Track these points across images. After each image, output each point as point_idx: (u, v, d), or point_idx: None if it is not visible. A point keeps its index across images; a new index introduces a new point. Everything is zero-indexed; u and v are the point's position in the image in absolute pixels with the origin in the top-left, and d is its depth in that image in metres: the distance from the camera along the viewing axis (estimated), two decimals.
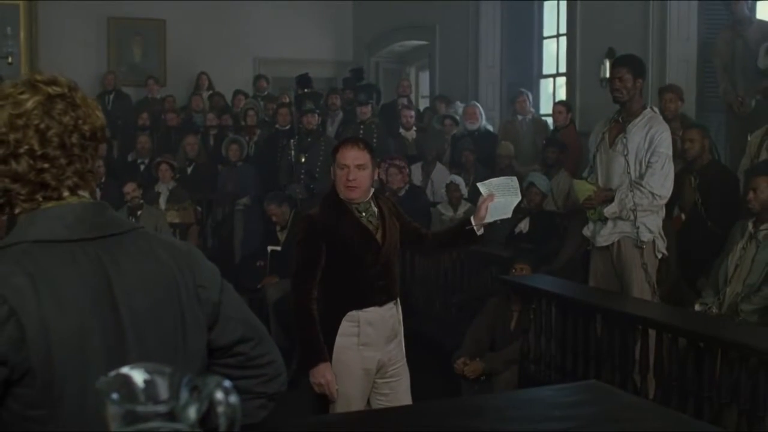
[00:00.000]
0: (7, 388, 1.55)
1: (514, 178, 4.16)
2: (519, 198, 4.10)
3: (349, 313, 3.84)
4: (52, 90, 1.67)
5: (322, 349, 3.78)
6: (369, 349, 3.86)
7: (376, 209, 3.93)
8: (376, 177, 4.05)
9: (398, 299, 4.00)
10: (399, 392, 3.98)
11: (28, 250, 1.62)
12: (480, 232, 4.03)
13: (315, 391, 3.81)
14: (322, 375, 3.76)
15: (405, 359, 4.04)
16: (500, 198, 4.02)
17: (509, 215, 4.13)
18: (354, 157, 3.81)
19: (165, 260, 1.75)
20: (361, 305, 3.84)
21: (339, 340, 3.84)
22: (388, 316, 3.92)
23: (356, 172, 3.79)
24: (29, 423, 1.57)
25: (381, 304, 3.88)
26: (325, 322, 3.81)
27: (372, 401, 3.96)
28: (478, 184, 4.18)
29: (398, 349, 4.00)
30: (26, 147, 1.64)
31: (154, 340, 1.68)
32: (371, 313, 3.86)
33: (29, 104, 1.64)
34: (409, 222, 4.12)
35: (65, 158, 1.67)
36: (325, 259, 3.81)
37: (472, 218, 4.05)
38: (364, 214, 3.89)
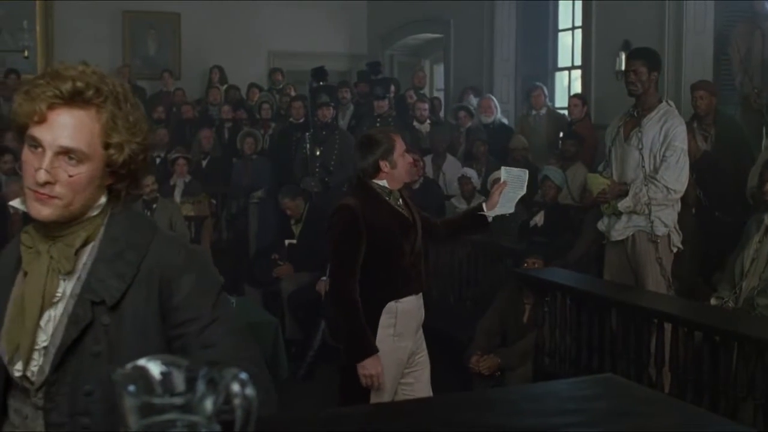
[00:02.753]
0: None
1: (526, 171, 4.17)
2: (524, 192, 4.11)
3: (388, 305, 3.86)
4: None
5: (371, 341, 3.78)
6: (403, 339, 3.89)
7: (401, 199, 3.99)
8: None
9: None
10: (422, 381, 4.01)
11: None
12: (491, 217, 4.06)
13: (359, 383, 3.81)
14: (372, 367, 3.76)
15: (426, 348, 4.09)
16: (510, 190, 4.05)
17: (512, 210, 4.15)
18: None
19: None
20: (399, 295, 3.87)
21: (381, 333, 3.86)
22: (420, 305, 3.98)
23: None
24: None
25: (417, 292, 3.94)
26: (364, 314, 3.82)
27: (397, 391, 3.98)
28: (502, 168, 4.21)
29: (422, 338, 4.05)
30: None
31: None
32: (408, 302, 3.90)
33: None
34: (421, 211, 4.17)
35: None
36: (364, 250, 3.82)
37: (484, 204, 4.07)
38: (398, 202, 3.95)
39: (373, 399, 3.82)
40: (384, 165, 3.90)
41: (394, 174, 3.92)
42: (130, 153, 1.78)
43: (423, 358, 4.05)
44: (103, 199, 1.82)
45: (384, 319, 3.86)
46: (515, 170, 4.16)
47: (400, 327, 3.86)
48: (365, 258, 3.82)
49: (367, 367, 3.76)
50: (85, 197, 1.76)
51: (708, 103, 6.62)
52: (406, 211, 3.96)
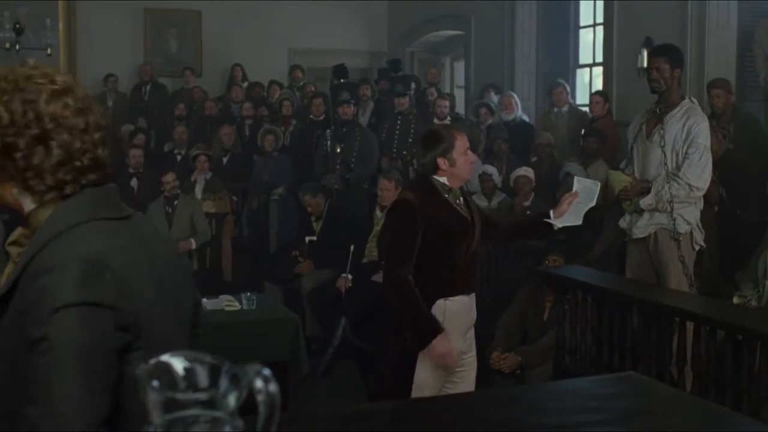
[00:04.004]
0: (123, 354, 1.61)
1: (598, 183, 4.16)
2: (593, 204, 4.10)
3: (438, 302, 3.85)
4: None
5: (436, 321, 3.78)
6: (451, 338, 3.86)
7: (461, 198, 3.98)
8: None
9: None
10: (467, 381, 4.02)
11: (100, 226, 1.68)
12: (558, 226, 4.05)
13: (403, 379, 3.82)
14: (442, 346, 3.75)
15: (475, 349, 4.08)
16: (580, 200, 4.04)
17: (580, 221, 4.14)
18: (467, 142, 3.98)
19: (162, 239, 1.91)
20: (450, 293, 3.88)
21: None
22: (472, 305, 3.98)
23: (471, 156, 3.97)
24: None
25: (468, 292, 3.94)
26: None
27: (441, 390, 3.97)
28: (575, 178, 4.20)
29: (473, 338, 4.05)
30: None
31: (182, 309, 1.81)
32: (458, 302, 3.90)
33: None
34: (481, 209, 4.17)
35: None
36: (420, 246, 3.82)
37: (551, 212, 4.06)
38: (458, 201, 3.94)
39: (415, 394, 3.83)
40: (443, 162, 3.89)
41: (453, 171, 3.91)
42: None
43: (471, 358, 4.05)
44: (23, 195, 1.72)
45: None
46: (587, 181, 4.17)
47: (449, 325, 3.84)
48: (420, 253, 3.82)
49: (437, 347, 3.75)
50: None
51: (725, 101, 6.57)
52: (464, 210, 3.94)
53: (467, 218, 3.93)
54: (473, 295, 4.00)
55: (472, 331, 4.07)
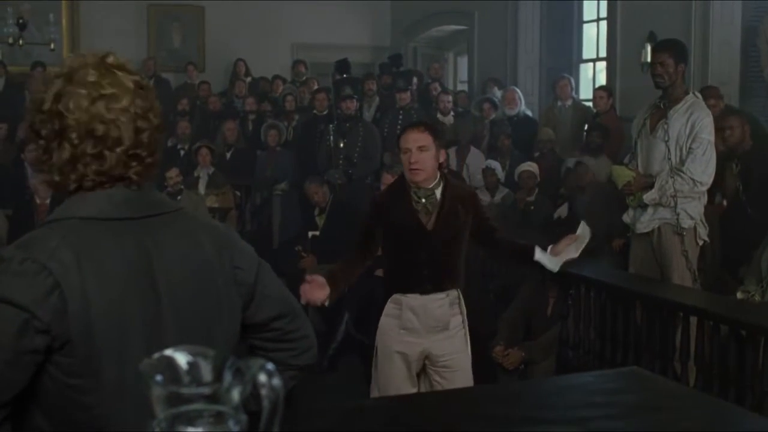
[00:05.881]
0: (48, 354, 1.61)
1: (590, 232, 4.21)
2: (582, 246, 4.17)
3: (394, 296, 3.91)
4: (132, 81, 1.71)
5: (329, 274, 3.83)
6: (410, 335, 3.88)
7: (440, 198, 3.91)
8: (442, 159, 4.01)
9: (458, 292, 3.98)
10: (455, 383, 3.95)
11: (76, 225, 1.66)
12: (554, 269, 4.12)
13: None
14: (311, 287, 3.74)
15: (463, 351, 4.00)
16: (574, 247, 4.10)
17: (576, 255, 4.20)
18: (415, 139, 3.84)
19: (204, 241, 1.79)
20: (404, 290, 3.90)
21: (382, 320, 3.94)
22: (433, 306, 3.90)
23: (418, 154, 3.80)
24: (70, 391, 1.62)
25: (424, 292, 3.89)
26: (381, 300, 3.97)
27: (433, 388, 3.98)
28: (582, 223, 4.30)
29: (449, 340, 3.95)
30: (123, 145, 1.68)
31: (191, 318, 1.73)
32: (413, 299, 3.89)
33: (125, 101, 1.68)
34: (485, 221, 4.07)
35: (145, 151, 1.72)
36: (381, 239, 3.96)
37: (537, 248, 4.07)
38: (423, 200, 3.89)
39: (380, 387, 3.89)
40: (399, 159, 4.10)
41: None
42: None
43: (451, 360, 3.96)
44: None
45: (389, 308, 3.94)
46: (587, 228, 4.22)
47: (406, 321, 3.89)
48: (383, 247, 4.01)
49: (305, 284, 3.76)
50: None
51: (720, 110, 6.44)
52: (428, 210, 3.88)
53: (418, 217, 3.88)
54: (440, 295, 3.91)
55: (453, 333, 3.97)
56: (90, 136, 1.66)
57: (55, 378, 1.62)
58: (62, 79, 1.68)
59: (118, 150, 1.67)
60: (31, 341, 1.58)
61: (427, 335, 3.90)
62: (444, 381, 3.96)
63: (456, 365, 3.98)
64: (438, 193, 3.91)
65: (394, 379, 3.92)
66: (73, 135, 1.65)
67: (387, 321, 3.93)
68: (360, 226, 4.07)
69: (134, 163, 1.69)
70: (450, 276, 3.95)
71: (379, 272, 6.53)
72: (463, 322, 4.02)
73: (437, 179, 3.92)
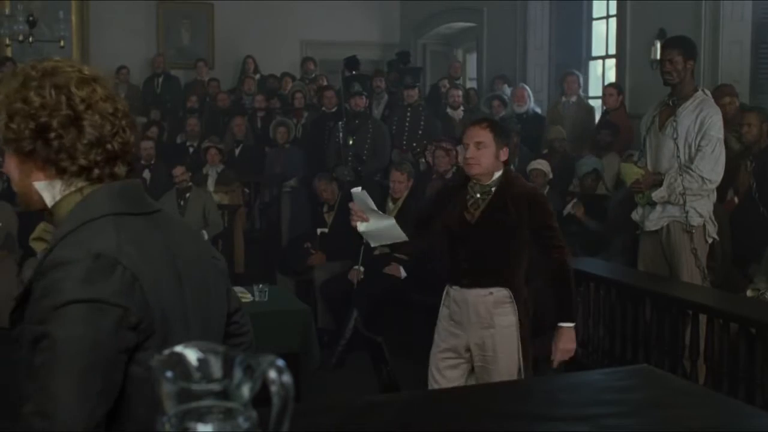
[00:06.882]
0: (132, 353, 1.59)
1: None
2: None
3: (447, 286, 4.02)
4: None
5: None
6: (458, 327, 3.95)
7: (485, 195, 3.91)
8: (503, 158, 3.95)
9: (509, 292, 3.87)
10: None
11: (116, 221, 1.65)
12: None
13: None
14: None
15: (507, 354, 3.88)
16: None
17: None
18: (474, 135, 3.92)
19: (191, 235, 1.88)
20: (450, 281, 4.00)
21: (441, 309, 4.04)
22: (475, 302, 3.87)
23: (475, 150, 3.87)
24: (149, 388, 1.60)
25: (464, 286, 3.91)
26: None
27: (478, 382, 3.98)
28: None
29: (493, 339, 3.87)
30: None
31: (203, 309, 1.77)
32: (455, 291, 3.96)
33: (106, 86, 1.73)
34: (542, 231, 3.89)
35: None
36: (436, 226, 4.07)
37: (560, 325, 3.97)
38: (478, 195, 3.93)
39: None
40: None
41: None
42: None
43: (491, 357, 3.88)
44: (51, 184, 1.71)
45: (444, 296, 4.04)
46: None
47: (454, 313, 3.96)
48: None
49: None
50: (19, 186, 1.72)
51: (731, 107, 6.43)
52: (478, 205, 3.89)
53: (463, 210, 3.92)
54: (483, 292, 3.86)
55: (497, 331, 3.87)
56: (105, 114, 1.68)
57: (132, 378, 1.59)
58: (45, 76, 1.67)
59: (124, 122, 1.72)
60: (125, 338, 1.56)
61: (471, 329, 3.91)
62: (480, 379, 3.93)
63: (493, 362, 3.89)
64: (494, 189, 3.91)
65: (438, 363, 4.00)
66: (96, 117, 1.66)
67: (441, 309, 4.03)
68: (418, 210, 4.23)
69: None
70: (494, 273, 3.88)
71: (389, 270, 6.55)
72: (516, 323, 3.89)
73: (497, 176, 3.92)
